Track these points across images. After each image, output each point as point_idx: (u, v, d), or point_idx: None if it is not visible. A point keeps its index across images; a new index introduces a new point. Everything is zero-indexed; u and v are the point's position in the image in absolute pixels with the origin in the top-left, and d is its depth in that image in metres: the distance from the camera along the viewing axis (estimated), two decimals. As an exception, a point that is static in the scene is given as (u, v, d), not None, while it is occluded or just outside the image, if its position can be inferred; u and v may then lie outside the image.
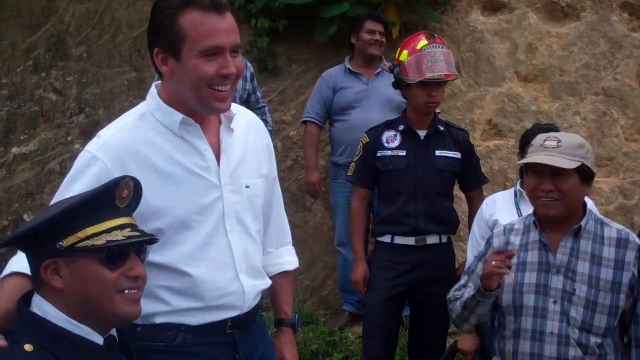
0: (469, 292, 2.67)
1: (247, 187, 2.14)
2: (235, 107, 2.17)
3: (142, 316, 1.89)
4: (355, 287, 3.82)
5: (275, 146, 5.62)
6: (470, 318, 2.71)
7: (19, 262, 1.86)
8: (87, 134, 5.59)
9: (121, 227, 1.69)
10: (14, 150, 5.63)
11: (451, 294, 2.83)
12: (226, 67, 1.94)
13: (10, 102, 5.77)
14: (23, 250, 1.74)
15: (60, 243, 1.63)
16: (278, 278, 2.38)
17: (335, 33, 5.55)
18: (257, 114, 5.00)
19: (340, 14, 5.52)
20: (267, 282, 2.27)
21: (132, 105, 5.88)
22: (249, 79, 5.01)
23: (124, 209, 1.74)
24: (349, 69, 4.94)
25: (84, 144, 5.60)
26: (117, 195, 1.71)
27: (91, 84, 5.73)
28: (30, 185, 5.56)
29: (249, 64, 5.06)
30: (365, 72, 4.91)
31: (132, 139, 2.00)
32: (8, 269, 1.89)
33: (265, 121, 5.04)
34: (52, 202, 1.97)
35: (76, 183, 1.94)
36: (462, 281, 2.80)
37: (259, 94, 5.12)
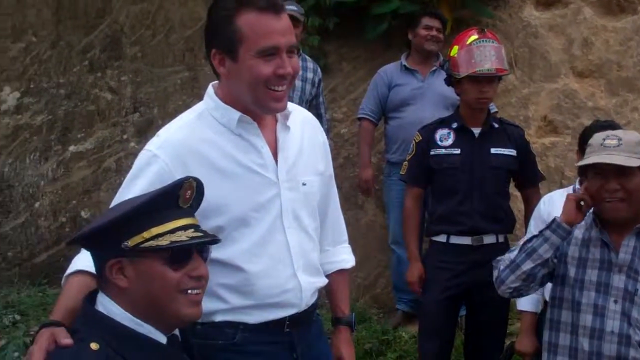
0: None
1: (303, 184, 2.14)
2: (291, 106, 2.17)
3: (203, 314, 1.92)
4: (411, 287, 3.79)
5: (326, 144, 5.65)
6: (522, 265, 2.56)
7: (83, 261, 1.88)
8: (142, 132, 5.68)
9: (185, 227, 1.70)
10: (72, 148, 5.74)
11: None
12: (282, 67, 1.95)
13: (68, 101, 5.89)
14: (88, 249, 1.77)
15: (126, 243, 1.65)
16: (335, 276, 2.38)
17: (386, 30, 5.54)
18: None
19: (391, 11, 5.51)
20: (324, 280, 2.27)
21: (185, 103, 6.01)
22: (316, 83, 5.03)
23: (187, 210, 1.75)
24: (404, 65, 4.91)
25: (139, 142, 5.76)
26: (180, 196, 1.72)
27: (145, 83, 5.81)
28: (87, 183, 5.67)
29: (319, 70, 5.09)
30: (421, 69, 4.87)
31: (191, 138, 2.03)
32: (72, 267, 1.92)
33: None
34: (113, 201, 2.02)
35: (137, 181, 1.98)
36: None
37: (321, 99, 5.11)
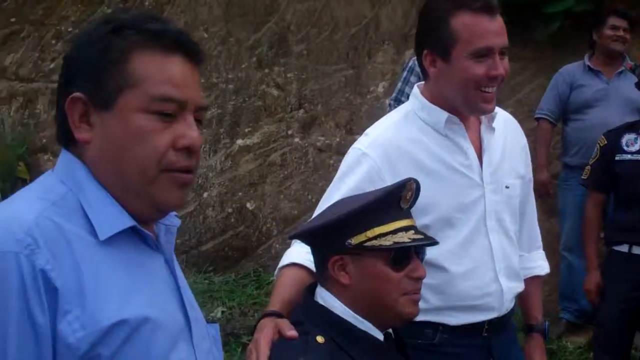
0: None
1: (506, 187, 2.11)
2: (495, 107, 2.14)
3: None
4: (587, 296, 3.67)
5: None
6: None
7: (297, 254, 1.95)
8: (306, 128, 5.80)
9: (406, 228, 1.72)
10: (239, 142, 5.94)
11: None
12: (495, 68, 1.93)
13: (236, 96, 6.10)
14: (310, 245, 1.82)
15: (349, 241, 1.68)
16: (529, 282, 2.31)
17: (557, 30, 5.36)
18: None
19: (563, 10, 5.34)
20: (522, 285, 2.22)
21: (348, 101, 6.06)
22: None
23: (406, 210, 1.77)
24: (588, 66, 4.71)
25: (303, 138, 5.87)
26: (402, 197, 1.74)
27: (310, 80, 5.92)
28: (253, 176, 5.84)
29: None
30: (605, 71, 4.67)
31: (398, 137, 2.05)
32: (286, 260, 1.98)
33: None
34: (323, 198, 2.07)
35: (347, 179, 2.03)
36: None
37: None
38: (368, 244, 1.68)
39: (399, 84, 4.99)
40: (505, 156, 2.14)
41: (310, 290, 1.80)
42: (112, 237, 1.21)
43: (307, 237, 1.81)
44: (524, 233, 2.29)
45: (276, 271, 2.02)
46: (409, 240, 1.70)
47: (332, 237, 1.71)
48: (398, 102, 4.96)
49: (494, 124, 2.11)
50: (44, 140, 6.29)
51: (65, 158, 1.28)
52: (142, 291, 1.22)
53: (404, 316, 1.74)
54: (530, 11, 5.47)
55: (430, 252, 1.99)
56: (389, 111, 4.94)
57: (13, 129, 6.33)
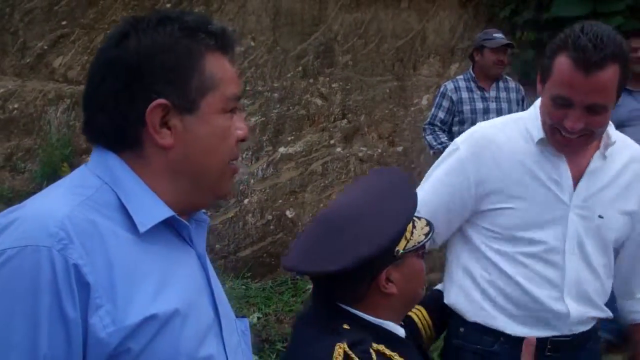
0: None
1: (600, 217, 2.05)
2: (618, 137, 2.10)
3: (470, 312, 1.93)
4: None
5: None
6: None
7: None
8: (348, 138, 5.79)
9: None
10: (281, 150, 5.96)
11: None
12: (571, 121, 1.90)
13: (280, 105, 6.12)
14: (342, 275, 1.66)
15: (397, 249, 1.65)
16: (631, 327, 2.29)
17: (606, 47, 5.30)
18: None
19: (613, 28, 5.27)
20: (599, 313, 2.14)
21: (391, 112, 6.03)
22: (520, 102, 4.96)
23: None
24: None
25: (344, 148, 5.84)
26: None
27: (355, 91, 5.92)
28: (294, 184, 5.85)
29: (520, 87, 5.02)
30: (637, 92, 4.60)
31: (495, 134, 2.08)
32: None
33: None
34: (420, 185, 2.18)
35: (437, 170, 2.16)
36: None
37: None
38: (409, 244, 1.67)
39: (433, 109, 5.02)
40: (612, 188, 2.08)
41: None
42: (148, 230, 1.23)
43: (349, 268, 1.63)
44: (620, 277, 2.21)
45: None
46: (429, 229, 1.74)
47: (381, 255, 1.62)
48: (432, 126, 4.97)
49: (609, 153, 2.07)
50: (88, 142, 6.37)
51: (99, 154, 1.29)
52: (174, 285, 1.23)
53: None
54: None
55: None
56: (423, 137, 4.96)
57: (59, 130, 6.43)
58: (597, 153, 2.06)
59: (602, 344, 4.56)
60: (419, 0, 6.10)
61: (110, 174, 1.25)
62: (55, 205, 1.18)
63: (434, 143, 4.93)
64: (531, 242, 2.03)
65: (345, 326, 1.61)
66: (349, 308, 1.67)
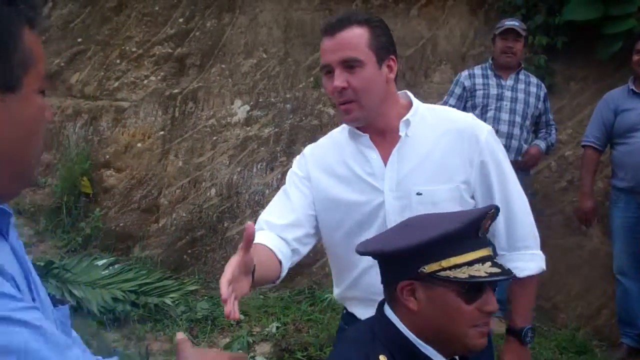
0: None
1: (418, 194, 2.15)
2: (423, 113, 2.22)
3: None
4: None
5: (549, 165, 5.48)
6: None
7: (268, 238, 2.11)
8: (362, 147, 5.82)
9: (482, 260, 1.65)
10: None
11: None
12: (331, 82, 2.12)
13: (293, 115, 6.17)
14: (382, 265, 1.77)
15: (423, 269, 1.63)
16: (511, 285, 2.33)
17: (619, 50, 5.30)
18: (543, 132, 4.87)
19: (625, 31, 5.27)
20: None
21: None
22: (542, 98, 4.93)
23: (483, 239, 1.70)
24: (632, 90, 4.62)
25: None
26: (482, 226, 1.68)
27: (366, 100, 5.95)
28: (309, 194, 5.88)
29: (542, 84, 5.00)
30: None
31: (328, 143, 2.34)
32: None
33: (545, 139, 4.93)
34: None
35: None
36: None
37: (550, 116, 5.00)
38: (442, 273, 1.62)
39: (445, 97, 5.06)
40: (428, 164, 2.18)
41: (382, 302, 1.78)
42: None
43: (381, 256, 1.76)
44: (500, 232, 2.27)
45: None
46: (485, 275, 1.62)
47: (405, 262, 1.66)
48: None
49: (411, 132, 2.18)
50: (107, 157, 6.47)
51: None
52: None
53: (470, 348, 1.69)
54: (592, 32, 5.43)
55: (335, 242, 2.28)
56: None
57: (78, 145, 6.53)
58: (400, 136, 2.20)
59: (624, 349, 4.61)
60: (429, 8, 6.13)
61: None
62: None
63: None
64: (363, 231, 2.17)
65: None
66: (389, 312, 1.72)
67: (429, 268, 1.62)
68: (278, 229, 2.16)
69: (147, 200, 6.28)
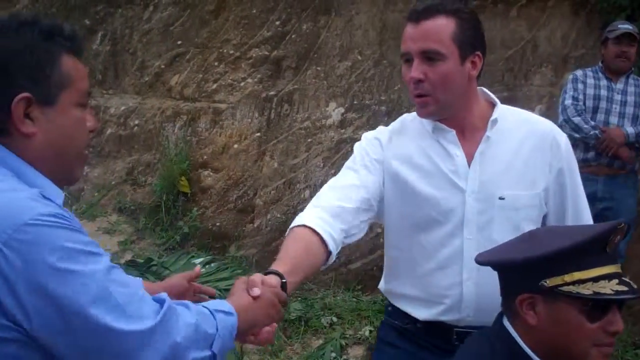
0: None
1: (500, 198, 2.06)
2: (509, 113, 2.15)
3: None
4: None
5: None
6: None
7: (309, 217, 2.04)
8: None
9: (609, 276, 1.58)
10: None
11: None
12: (410, 72, 2.06)
13: (388, 118, 6.13)
14: (502, 275, 1.73)
15: (544, 282, 1.58)
16: None
17: None
18: None
19: None
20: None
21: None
22: None
23: (611, 254, 1.62)
24: None
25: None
26: (610, 241, 1.61)
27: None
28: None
29: None
30: None
31: (403, 127, 2.31)
32: (299, 221, 2.05)
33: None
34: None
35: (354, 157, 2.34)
36: None
37: None
38: (565, 288, 1.56)
39: (567, 92, 4.91)
40: (511, 168, 2.10)
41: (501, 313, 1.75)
42: None
43: (501, 267, 1.72)
44: None
45: (287, 231, 2.10)
46: (611, 292, 1.55)
47: (527, 274, 1.61)
48: (575, 102, 4.82)
49: (493, 133, 2.11)
50: (205, 157, 6.62)
51: None
52: None
53: None
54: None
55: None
56: (565, 120, 4.79)
57: (177, 145, 6.70)
58: (484, 135, 2.11)
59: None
60: (529, 9, 5.98)
61: (4, 163, 1.47)
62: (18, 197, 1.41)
63: (584, 125, 4.76)
64: (436, 229, 2.11)
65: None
66: (508, 326, 1.69)
67: (550, 282, 1.57)
68: (339, 211, 2.06)
69: (242, 200, 6.39)
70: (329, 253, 1.99)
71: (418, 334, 2.18)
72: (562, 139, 2.17)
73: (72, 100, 1.50)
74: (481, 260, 1.74)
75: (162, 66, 7.08)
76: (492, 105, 2.18)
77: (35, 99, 1.46)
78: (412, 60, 2.04)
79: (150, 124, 6.95)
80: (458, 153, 2.11)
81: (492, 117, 2.11)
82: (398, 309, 2.24)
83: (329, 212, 2.03)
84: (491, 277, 1.92)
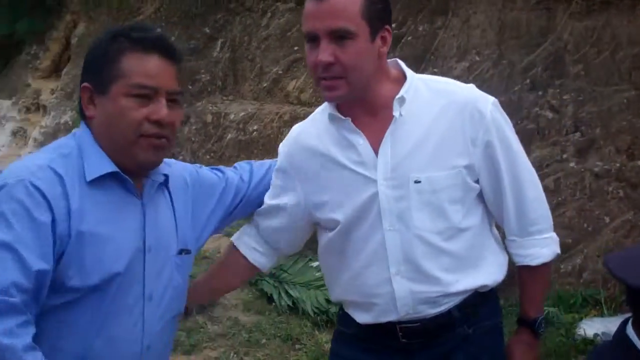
0: None
1: (416, 182, 1.91)
2: (418, 87, 1.98)
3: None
4: None
5: None
6: None
7: (247, 240, 2.31)
8: (583, 152, 5.54)
9: None
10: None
11: None
12: (317, 54, 1.93)
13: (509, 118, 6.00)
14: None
15: None
16: (521, 272, 2.11)
17: None
18: None
19: None
20: (447, 287, 1.98)
21: (630, 124, 5.70)
22: None
23: None
24: None
25: (579, 163, 5.60)
26: None
27: (588, 102, 5.65)
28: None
29: None
30: None
31: (306, 131, 2.18)
32: (238, 239, 2.40)
33: None
34: None
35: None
36: None
37: None
38: None
39: None
40: (424, 147, 1.95)
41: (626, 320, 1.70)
42: (98, 180, 1.79)
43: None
44: (510, 217, 2.04)
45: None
46: None
47: None
48: None
49: (405, 111, 1.96)
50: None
51: (81, 123, 1.87)
52: (106, 217, 1.78)
53: None
54: None
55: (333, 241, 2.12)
56: None
57: (294, 150, 6.79)
58: (394, 116, 1.93)
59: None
60: (659, 3, 5.70)
61: (78, 139, 1.86)
62: (38, 158, 1.81)
63: None
64: (357, 227, 1.99)
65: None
66: (631, 333, 1.64)
67: None
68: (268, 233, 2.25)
69: (359, 204, 6.40)
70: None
71: (365, 337, 2.10)
72: (486, 106, 2.04)
73: (122, 91, 1.78)
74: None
75: (280, 72, 7.22)
76: (404, 78, 2.03)
77: (94, 89, 1.82)
78: (318, 40, 1.89)
79: (268, 129, 7.08)
80: (361, 141, 1.98)
81: (399, 95, 1.96)
82: (347, 314, 2.17)
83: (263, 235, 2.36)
84: (423, 267, 1.92)
